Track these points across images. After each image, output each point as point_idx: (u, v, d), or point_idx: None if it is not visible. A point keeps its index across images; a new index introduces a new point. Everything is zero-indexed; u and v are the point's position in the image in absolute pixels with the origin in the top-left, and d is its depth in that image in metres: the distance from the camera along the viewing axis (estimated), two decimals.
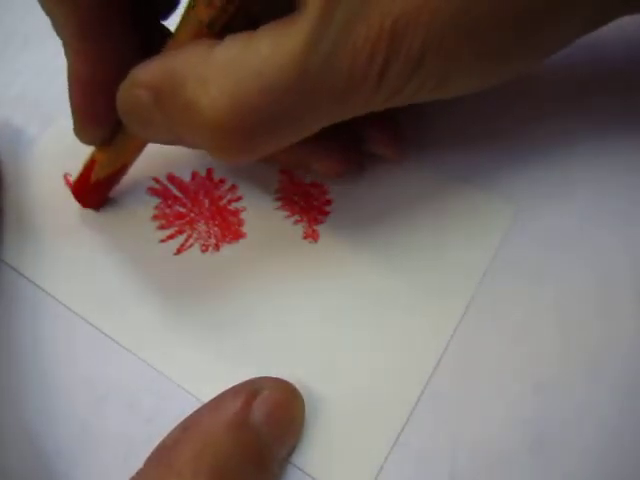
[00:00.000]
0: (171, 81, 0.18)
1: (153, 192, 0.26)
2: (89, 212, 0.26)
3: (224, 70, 0.17)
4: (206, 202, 0.26)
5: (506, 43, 0.19)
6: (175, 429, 0.20)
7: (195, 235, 0.25)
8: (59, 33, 0.21)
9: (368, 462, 0.21)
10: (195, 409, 0.20)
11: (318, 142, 0.24)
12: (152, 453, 0.19)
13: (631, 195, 0.25)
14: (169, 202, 0.26)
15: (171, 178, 0.26)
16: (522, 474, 0.20)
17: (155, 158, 0.27)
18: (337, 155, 0.25)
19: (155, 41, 0.20)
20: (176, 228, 0.25)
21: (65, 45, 0.21)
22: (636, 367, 0.21)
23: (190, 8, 0.19)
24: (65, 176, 0.27)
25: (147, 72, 0.19)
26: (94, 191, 0.25)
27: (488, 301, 0.23)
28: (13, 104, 0.29)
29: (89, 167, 0.24)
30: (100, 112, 0.22)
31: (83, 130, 0.23)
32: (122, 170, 0.24)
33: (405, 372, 0.22)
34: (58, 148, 0.27)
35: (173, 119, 0.19)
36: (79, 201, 0.25)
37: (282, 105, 0.17)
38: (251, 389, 0.20)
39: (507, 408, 0.21)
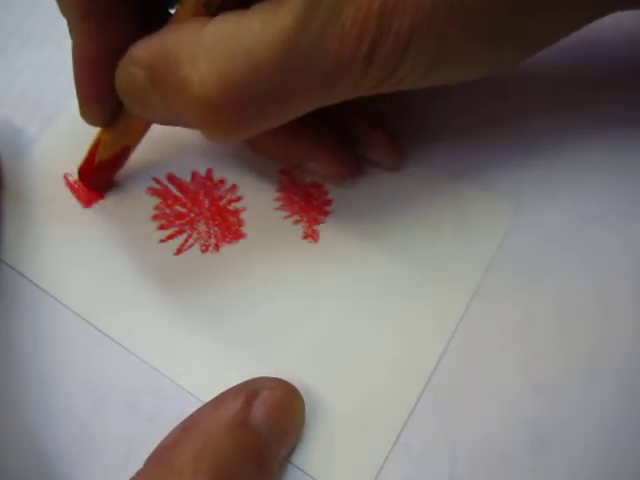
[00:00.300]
0: (164, 59, 0.18)
1: (153, 192, 0.26)
2: (89, 212, 0.26)
3: (213, 47, 0.18)
4: (206, 202, 0.26)
5: (498, 28, 0.19)
6: (175, 429, 0.20)
7: (195, 235, 0.25)
8: (64, 12, 0.21)
9: (368, 462, 0.21)
10: (195, 409, 0.20)
11: (314, 141, 0.24)
12: (152, 453, 0.19)
13: (631, 193, 0.25)
14: (169, 202, 0.26)
15: (171, 178, 0.26)
16: (522, 474, 0.20)
17: (155, 158, 0.27)
18: (332, 154, 0.25)
19: (162, 20, 0.20)
20: (176, 228, 0.25)
21: (70, 24, 0.21)
22: (636, 367, 0.22)
23: None
24: (65, 176, 0.27)
25: (143, 50, 0.19)
26: (98, 172, 0.25)
27: (488, 301, 0.23)
28: (13, 104, 0.29)
29: (95, 148, 0.24)
30: (103, 92, 0.22)
31: (88, 110, 0.23)
32: (125, 152, 0.24)
33: (405, 372, 0.22)
34: (58, 148, 0.27)
35: (167, 97, 0.19)
36: (84, 182, 0.26)
37: (270, 82, 0.18)
38: (251, 389, 0.20)
39: (507, 408, 0.21)
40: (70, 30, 0.21)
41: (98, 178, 0.26)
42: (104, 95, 0.22)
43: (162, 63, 0.18)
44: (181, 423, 0.20)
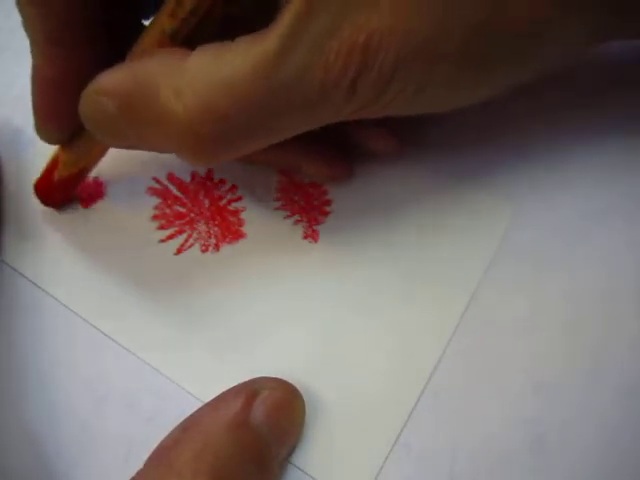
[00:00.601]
0: (141, 89, 0.18)
1: (153, 192, 0.26)
2: (89, 212, 0.26)
3: (197, 79, 0.18)
4: (206, 202, 0.26)
5: (485, 61, 0.19)
6: (175, 429, 0.20)
7: (195, 235, 0.25)
8: (28, 32, 0.21)
9: (368, 462, 0.21)
10: (195, 409, 0.20)
11: (308, 145, 0.24)
12: (152, 453, 0.19)
13: (632, 193, 0.25)
14: (169, 202, 0.26)
15: (171, 178, 0.26)
16: (522, 474, 0.20)
17: (155, 158, 0.27)
18: (324, 157, 0.25)
19: (124, 46, 0.20)
20: (176, 228, 0.25)
21: (32, 44, 0.21)
22: (636, 367, 0.21)
23: (155, 18, 0.19)
24: None
25: (112, 80, 0.19)
26: (57, 190, 0.25)
27: (488, 301, 0.23)
28: (13, 104, 0.29)
29: (52, 165, 0.24)
30: (62, 114, 0.22)
31: (43, 129, 0.23)
32: (84, 171, 0.24)
33: (405, 372, 0.22)
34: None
35: (142, 126, 0.19)
36: (40, 199, 0.25)
37: (251, 113, 0.18)
38: (251, 389, 0.20)
39: (507, 408, 0.21)
40: (32, 50, 0.21)
41: (56, 195, 0.25)
42: (63, 116, 0.22)
43: (137, 93, 0.19)
44: (181, 423, 0.20)
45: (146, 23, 0.23)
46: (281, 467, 0.21)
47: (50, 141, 0.23)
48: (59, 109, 0.22)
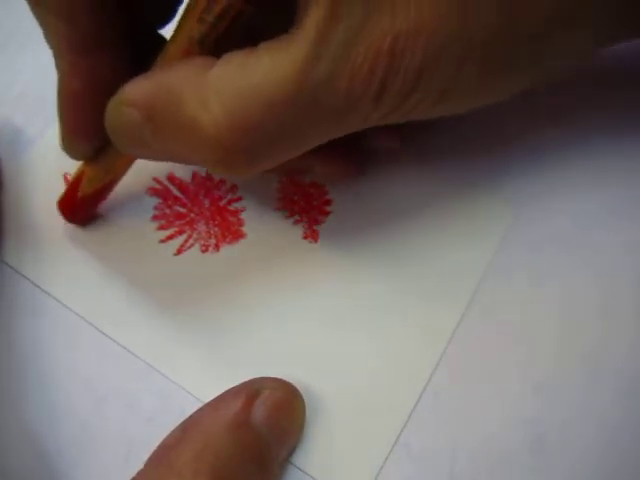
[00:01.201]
0: (167, 100, 0.18)
1: (153, 192, 0.26)
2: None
3: (223, 88, 0.17)
4: (206, 202, 0.26)
5: (509, 59, 0.19)
6: (175, 429, 0.20)
7: (195, 235, 0.25)
8: (51, 44, 0.20)
9: (368, 462, 0.21)
10: (195, 409, 0.20)
11: (321, 146, 0.24)
12: (153, 453, 0.19)
13: (632, 195, 0.25)
14: (169, 202, 0.26)
15: (171, 178, 0.26)
16: (522, 474, 0.20)
17: None
18: (340, 158, 0.25)
19: (150, 50, 0.20)
20: (176, 228, 0.25)
21: (57, 58, 0.21)
22: (636, 367, 0.22)
23: (181, 24, 0.19)
24: (65, 176, 0.27)
25: (138, 90, 0.19)
26: (81, 206, 0.24)
27: (488, 302, 0.23)
28: (13, 104, 0.29)
29: (76, 182, 0.24)
30: (90, 127, 0.21)
31: (72, 145, 0.22)
32: (110, 185, 0.24)
33: (405, 372, 0.22)
34: (58, 148, 0.27)
35: (168, 137, 0.19)
36: (65, 217, 0.25)
37: (282, 121, 0.18)
38: (251, 389, 0.20)
39: (507, 408, 0.21)
40: (57, 62, 0.21)
41: (81, 212, 0.25)
42: (90, 130, 0.22)
43: (162, 104, 0.18)
44: (181, 423, 0.20)
45: (161, 32, 0.23)
46: (281, 467, 0.21)
47: (77, 156, 0.23)
48: (86, 122, 0.21)
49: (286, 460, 0.21)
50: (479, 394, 0.22)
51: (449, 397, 0.22)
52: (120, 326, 0.23)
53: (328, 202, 0.26)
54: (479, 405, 0.21)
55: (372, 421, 0.21)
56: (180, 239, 0.25)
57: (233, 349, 0.23)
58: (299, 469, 0.21)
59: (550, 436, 0.21)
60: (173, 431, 0.20)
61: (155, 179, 0.26)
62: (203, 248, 0.25)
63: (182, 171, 0.27)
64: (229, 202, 0.26)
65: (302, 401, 0.21)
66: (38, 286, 0.24)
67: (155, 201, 0.26)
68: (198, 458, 0.18)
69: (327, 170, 0.25)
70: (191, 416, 0.20)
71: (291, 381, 0.21)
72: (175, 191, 0.26)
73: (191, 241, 0.25)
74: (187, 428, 0.19)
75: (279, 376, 0.21)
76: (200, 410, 0.20)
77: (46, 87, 0.29)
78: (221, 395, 0.20)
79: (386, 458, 0.21)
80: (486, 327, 0.23)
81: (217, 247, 0.25)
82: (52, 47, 0.20)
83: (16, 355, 0.23)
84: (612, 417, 0.21)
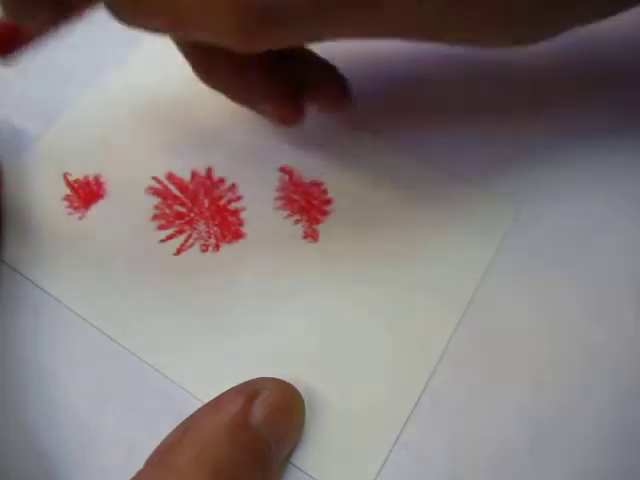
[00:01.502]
0: None
1: (153, 191, 0.26)
2: (89, 211, 0.26)
3: None
4: (206, 202, 0.26)
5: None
6: (175, 430, 0.20)
7: (195, 235, 0.25)
8: None
9: (368, 462, 0.21)
10: (195, 409, 0.20)
11: (266, 83, 0.24)
12: (152, 454, 0.19)
13: (633, 194, 0.25)
14: (169, 202, 0.26)
15: (171, 177, 0.26)
16: (522, 474, 0.20)
17: (155, 157, 0.27)
18: (282, 98, 0.24)
19: None
20: (176, 228, 0.25)
21: None
22: (636, 367, 0.21)
23: None
24: (65, 176, 0.27)
25: None
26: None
27: (488, 301, 0.23)
28: (13, 104, 0.29)
29: None
30: None
31: None
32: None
33: (405, 372, 0.22)
34: (58, 148, 0.27)
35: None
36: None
37: None
38: (251, 390, 0.20)
39: (507, 408, 0.21)
40: None
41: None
42: None
43: None
44: (181, 424, 0.20)
45: None
46: (281, 467, 0.21)
47: None
48: None
49: (286, 460, 0.21)
50: (479, 394, 0.21)
51: (449, 397, 0.22)
52: (120, 326, 0.23)
53: (328, 201, 0.26)
54: (479, 405, 0.21)
55: (372, 421, 0.21)
56: (180, 239, 0.25)
57: (233, 349, 0.23)
58: (299, 469, 0.21)
59: (550, 436, 0.21)
60: (173, 431, 0.20)
61: (155, 178, 0.26)
62: (203, 248, 0.25)
63: (182, 170, 0.26)
64: (229, 202, 0.26)
65: (301, 401, 0.21)
66: (38, 286, 0.24)
67: (155, 200, 0.26)
68: (198, 459, 0.18)
69: (269, 107, 0.24)
70: (191, 416, 0.20)
71: (291, 381, 0.21)
72: (175, 190, 0.26)
73: (191, 241, 0.25)
74: (187, 429, 0.19)
75: (279, 376, 0.21)
76: (199, 410, 0.20)
77: (46, 87, 0.30)
78: (220, 395, 0.20)
79: (386, 458, 0.21)
80: (486, 327, 0.23)
81: (217, 247, 0.25)
82: None
83: (16, 355, 0.23)
84: (611, 417, 0.21)
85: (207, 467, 0.18)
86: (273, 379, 0.21)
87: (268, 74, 0.23)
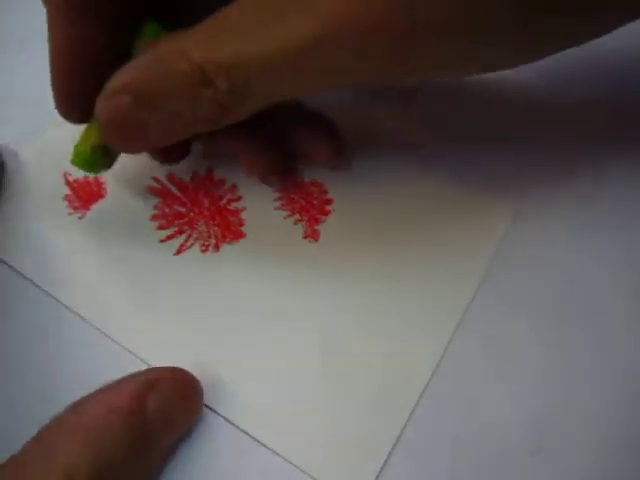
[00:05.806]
0: (155, 70, 0.19)
1: (153, 192, 0.26)
2: (89, 211, 0.26)
3: (201, 36, 0.19)
4: (206, 202, 0.26)
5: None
6: (65, 410, 0.19)
7: (195, 235, 0.25)
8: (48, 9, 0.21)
9: (368, 462, 0.21)
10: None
11: (246, 139, 0.24)
12: (38, 432, 0.19)
13: (632, 196, 0.25)
14: (169, 202, 0.26)
15: (171, 178, 0.26)
16: (522, 474, 0.20)
17: None
18: (261, 157, 0.24)
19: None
20: (176, 228, 0.25)
21: (51, 27, 0.21)
22: (636, 367, 0.21)
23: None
24: (65, 175, 0.27)
25: (126, 76, 0.19)
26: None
27: (488, 301, 0.23)
28: (13, 104, 0.29)
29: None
30: (80, 94, 0.22)
31: (66, 113, 0.23)
32: None
33: (405, 372, 0.22)
34: (58, 148, 0.27)
35: (160, 103, 0.19)
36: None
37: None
38: (146, 378, 0.20)
39: (507, 408, 0.21)
40: (50, 33, 0.21)
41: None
42: (81, 97, 0.22)
43: (152, 76, 0.19)
44: (71, 406, 0.19)
45: None
46: (167, 456, 0.21)
47: (74, 122, 0.23)
48: (77, 90, 0.22)
49: (172, 448, 0.21)
50: (479, 394, 0.21)
51: (449, 397, 0.22)
52: (120, 326, 0.23)
53: (328, 201, 0.26)
54: (479, 405, 0.21)
55: (372, 421, 0.21)
56: (180, 239, 0.25)
57: (232, 349, 0.23)
58: (299, 469, 0.21)
59: (550, 436, 0.21)
60: (63, 412, 0.19)
61: (155, 178, 0.26)
62: (203, 248, 0.25)
63: (182, 171, 0.27)
64: (229, 202, 0.26)
65: (198, 391, 0.21)
66: (38, 286, 0.24)
67: (155, 200, 0.26)
68: (83, 442, 0.18)
69: (246, 164, 0.25)
70: (83, 399, 0.20)
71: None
72: (175, 190, 0.26)
73: (191, 241, 0.25)
74: (75, 412, 0.19)
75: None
76: (93, 395, 0.20)
77: (46, 87, 0.29)
78: (116, 382, 0.20)
79: (386, 458, 0.21)
80: (485, 328, 0.23)
81: (217, 247, 0.25)
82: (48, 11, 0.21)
83: (16, 354, 0.23)
84: (612, 417, 0.21)
85: (91, 450, 0.18)
86: (172, 368, 0.21)
87: (246, 139, 0.23)
